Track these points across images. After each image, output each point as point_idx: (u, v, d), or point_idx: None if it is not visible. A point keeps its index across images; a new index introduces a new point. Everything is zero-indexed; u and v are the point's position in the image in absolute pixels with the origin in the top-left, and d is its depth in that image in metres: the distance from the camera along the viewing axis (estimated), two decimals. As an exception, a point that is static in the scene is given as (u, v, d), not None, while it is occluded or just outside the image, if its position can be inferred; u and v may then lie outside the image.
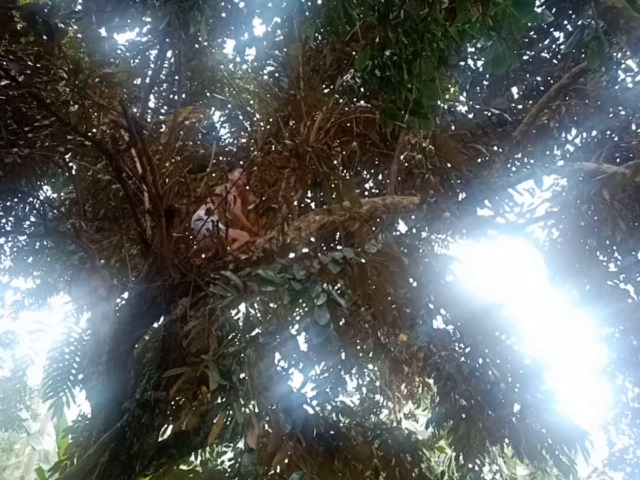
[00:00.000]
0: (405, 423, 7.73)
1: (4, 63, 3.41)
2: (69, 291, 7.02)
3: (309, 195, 6.23)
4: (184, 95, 6.52)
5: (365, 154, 6.61)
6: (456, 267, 4.24)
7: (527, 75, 6.51)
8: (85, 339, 6.03)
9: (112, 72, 4.16)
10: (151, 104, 6.89)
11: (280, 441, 2.85)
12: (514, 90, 6.72)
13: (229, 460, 4.63)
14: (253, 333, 2.99)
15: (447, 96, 6.64)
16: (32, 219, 5.63)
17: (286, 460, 2.90)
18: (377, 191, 6.93)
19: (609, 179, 4.41)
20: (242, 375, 2.73)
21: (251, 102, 7.19)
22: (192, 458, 5.36)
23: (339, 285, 3.19)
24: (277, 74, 6.41)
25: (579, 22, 5.40)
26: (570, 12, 6.12)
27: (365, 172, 7.14)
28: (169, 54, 6.13)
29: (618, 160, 5.91)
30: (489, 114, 6.17)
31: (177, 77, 6.59)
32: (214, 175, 5.43)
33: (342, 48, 5.69)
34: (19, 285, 7.31)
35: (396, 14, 2.52)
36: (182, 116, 5.74)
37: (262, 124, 6.63)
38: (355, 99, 5.85)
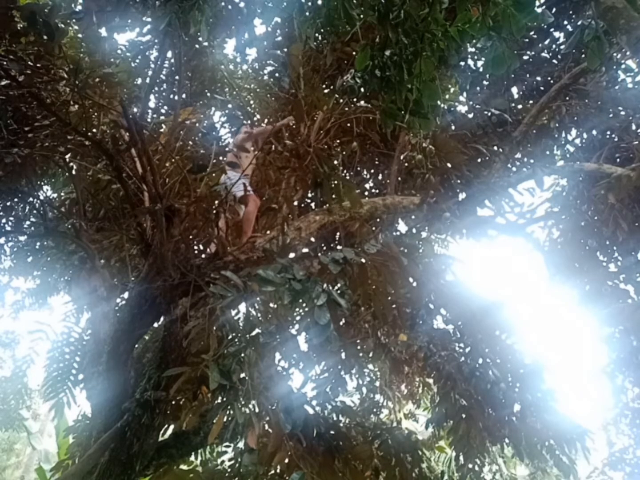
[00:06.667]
0: (405, 423, 7.73)
1: (4, 63, 3.41)
2: (69, 291, 7.01)
3: (309, 195, 6.23)
4: (184, 95, 6.51)
5: (366, 154, 6.62)
6: (456, 267, 4.25)
7: (527, 75, 6.51)
8: (85, 339, 6.02)
9: (112, 72, 4.16)
10: (151, 104, 6.89)
11: (280, 441, 2.85)
12: (514, 90, 6.72)
13: (229, 460, 4.63)
14: (253, 333, 2.99)
15: (447, 96, 6.64)
16: (32, 219, 5.63)
17: (286, 460, 2.90)
18: (377, 191, 6.93)
19: (615, 182, 4.40)
20: (242, 375, 2.73)
21: (251, 102, 7.19)
22: (192, 458, 5.36)
23: (339, 285, 3.19)
24: (277, 74, 6.41)
25: (579, 22, 5.41)
26: (570, 12, 6.12)
27: (365, 172, 7.15)
28: (169, 54, 6.12)
29: (618, 160, 5.91)
30: (489, 114, 6.17)
31: (177, 77, 6.59)
32: (214, 175, 5.43)
33: (342, 48, 5.69)
34: (19, 285, 7.32)
35: (396, 14, 2.52)
36: (182, 117, 5.74)
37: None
38: (355, 99, 5.85)
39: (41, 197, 5.64)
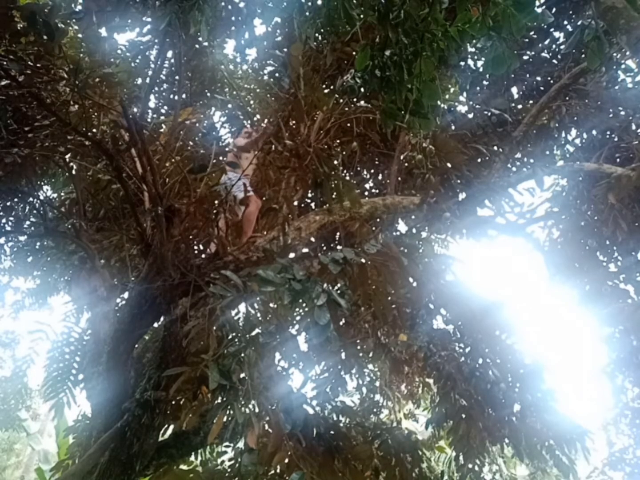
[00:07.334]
0: (405, 423, 7.73)
1: (4, 63, 3.41)
2: (69, 291, 7.02)
3: (309, 195, 6.23)
4: (184, 95, 6.51)
5: (366, 154, 6.62)
6: (456, 267, 4.25)
7: (527, 75, 6.51)
8: (85, 339, 6.02)
9: (112, 72, 4.16)
10: (151, 104, 6.89)
11: (280, 441, 2.85)
12: (514, 90, 6.72)
13: (229, 460, 4.63)
14: (253, 333, 2.99)
15: (447, 96, 6.64)
16: (32, 219, 5.63)
17: (286, 460, 2.90)
18: (377, 191, 6.93)
19: (615, 182, 4.40)
20: (242, 375, 2.73)
21: (251, 102, 7.19)
22: (192, 458, 5.36)
23: (339, 285, 3.19)
24: (277, 74, 6.41)
25: (579, 22, 5.41)
26: (570, 12, 6.12)
27: (365, 172, 7.15)
28: (169, 54, 6.13)
29: (618, 160, 5.91)
30: (489, 114, 6.16)
31: (177, 77, 6.59)
32: (214, 175, 5.43)
33: (342, 48, 5.69)
34: (19, 285, 7.33)
35: (396, 14, 2.51)
36: (182, 117, 5.74)
37: (262, 124, 6.63)
38: (355, 99, 5.85)
39: (41, 197, 5.64)
